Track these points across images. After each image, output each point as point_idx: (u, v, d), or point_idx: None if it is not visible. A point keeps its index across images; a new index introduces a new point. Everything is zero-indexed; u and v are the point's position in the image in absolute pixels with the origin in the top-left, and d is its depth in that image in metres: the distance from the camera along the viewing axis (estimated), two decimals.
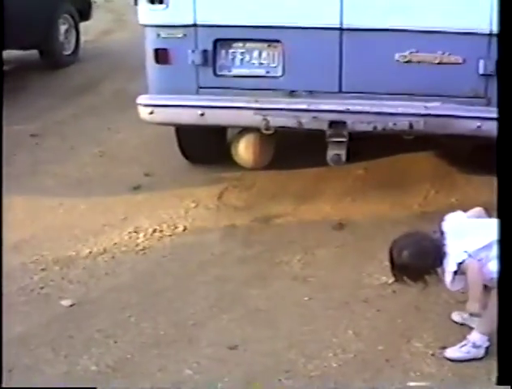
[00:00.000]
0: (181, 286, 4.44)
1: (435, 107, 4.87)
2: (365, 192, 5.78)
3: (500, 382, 3.08)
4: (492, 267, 3.51)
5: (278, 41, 5.00)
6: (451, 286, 3.68)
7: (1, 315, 3.75)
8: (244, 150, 5.82)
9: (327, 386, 3.55)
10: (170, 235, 5.06)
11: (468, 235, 3.70)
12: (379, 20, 4.83)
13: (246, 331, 3.97)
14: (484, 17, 4.67)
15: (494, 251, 3.49)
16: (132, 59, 8.29)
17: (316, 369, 3.66)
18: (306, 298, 4.30)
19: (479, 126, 4.81)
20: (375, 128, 4.88)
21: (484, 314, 3.64)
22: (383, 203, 5.57)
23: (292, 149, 6.28)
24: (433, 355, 3.74)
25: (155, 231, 5.09)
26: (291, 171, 6.15)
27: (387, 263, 4.56)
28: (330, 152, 4.98)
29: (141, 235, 5.02)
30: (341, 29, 4.88)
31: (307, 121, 4.92)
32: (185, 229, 5.14)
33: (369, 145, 5.75)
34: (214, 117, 5.08)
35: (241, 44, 5.06)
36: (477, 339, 3.68)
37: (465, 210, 4.32)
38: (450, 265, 3.62)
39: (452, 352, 3.70)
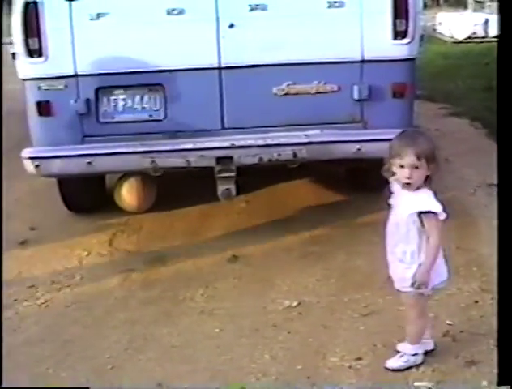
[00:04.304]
0: (91, 333, 4.43)
1: (315, 135, 5.12)
2: (252, 223, 5.97)
3: (500, 382, 3.22)
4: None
5: (159, 85, 5.14)
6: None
7: (1, 316, 3.67)
8: (127, 194, 5.93)
9: None
10: (69, 285, 5.03)
11: None
12: (255, 57, 5.06)
13: (166, 368, 4.00)
14: (355, 45, 5.01)
15: None
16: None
17: None
18: (217, 330, 4.37)
19: (358, 149, 5.08)
20: (261, 160, 5.08)
21: (410, 325, 3.84)
22: (271, 231, 5.77)
23: (173, 190, 6.40)
24: (350, 367, 3.89)
25: (53, 283, 5.05)
26: (175, 211, 6.27)
27: (287, 288, 4.79)
28: (220, 188, 5.14)
29: (40, 288, 4.97)
30: (220, 68, 5.07)
31: (195, 160, 5.06)
32: (82, 278, 5.14)
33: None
34: (102, 165, 5.14)
35: (122, 91, 5.16)
36: (410, 349, 3.82)
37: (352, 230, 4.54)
38: (424, 203, 3.60)
39: (393, 363, 3.82)
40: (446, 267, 3.80)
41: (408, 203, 3.63)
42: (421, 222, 3.59)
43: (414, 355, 3.80)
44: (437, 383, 3.68)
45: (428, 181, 3.61)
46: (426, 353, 3.88)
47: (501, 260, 3.30)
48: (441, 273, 3.75)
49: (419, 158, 3.54)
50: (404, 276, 3.71)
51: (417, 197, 3.60)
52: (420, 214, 3.57)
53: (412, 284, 3.65)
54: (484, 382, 3.67)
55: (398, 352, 3.91)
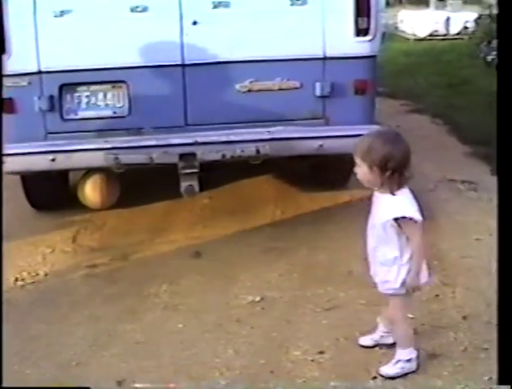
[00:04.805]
0: (56, 329, 4.42)
1: (278, 131, 5.17)
2: (215, 219, 6.01)
3: (500, 382, 3.20)
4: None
5: (122, 82, 5.16)
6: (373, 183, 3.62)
7: (1, 315, 3.67)
8: (91, 192, 5.94)
9: None
10: (33, 282, 5.03)
11: None
12: (218, 54, 5.10)
13: (130, 364, 4.01)
14: (318, 43, 5.06)
15: None
16: None
17: None
18: (181, 325, 4.39)
19: (320, 145, 5.15)
20: (224, 156, 5.12)
21: (396, 328, 3.81)
22: (234, 227, 5.82)
23: (136, 187, 6.42)
24: (312, 361, 3.94)
25: (16, 280, 5.04)
26: (138, 207, 6.29)
27: (250, 283, 4.84)
28: (184, 184, 5.16)
29: (4, 285, 4.92)
30: (183, 65, 5.10)
31: (158, 157, 5.09)
32: (46, 275, 5.14)
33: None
34: (65, 161, 5.14)
35: (85, 88, 5.18)
36: (404, 354, 3.75)
37: (314, 226, 4.57)
38: (400, 209, 3.54)
39: (388, 370, 3.75)
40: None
41: (384, 206, 3.59)
42: (399, 225, 3.55)
43: (408, 361, 3.74)
44: (399, 376, 3.74)
45: (388, 185, 3.55)
46: (388, 346, 3.93)
47: (501, 259, 3.25)
48: (424, 270, 3.72)
49: (355, 155, 3.58)
50: (386, 279, 3.67)
51: (392, 201, 3.56)
52: (397, 219, 3.54)
53: (406, 291, 3.64)
54: (445, 373, 3.74)
55: (362, 346, 3.97)
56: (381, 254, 3.67)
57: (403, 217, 3.52)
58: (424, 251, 3.63)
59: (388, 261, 3.64)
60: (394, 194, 3.55)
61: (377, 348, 3.98)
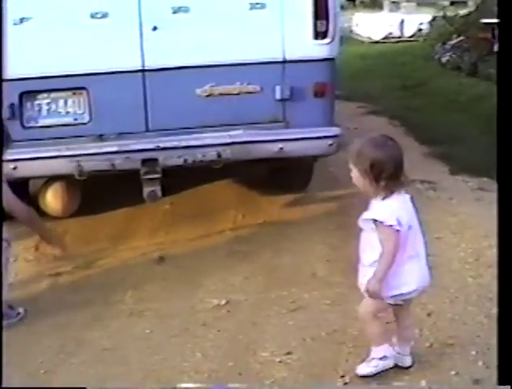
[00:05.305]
0: (23, 339, 4.38)
1: (238, 135, 5.21)
2: (177, 225, 6.03)
3: (500, 382, 3.17)
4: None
5: (83, 88, 5.15)
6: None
7: (1, 316, 3.74)
8: (52, 199, 5.91)
9: None
10: None
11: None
12: (178, 59, 5.12)
13: (99, 371, 4.00)
14: (277, 46, 5.11)
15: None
16: None
17: None
18: (148, 331, 4.40)
19: (281, 148, 5.20)
20: (186, 161, 5.14)
21: (367, 327, 3.75)
22: (196, 232, 5.84)
23: (98, 194, 6.40)
24: (280, 362, 3.96)
25: None
26: (99, 215, 6.28)
27: (214, 287, 4.85)
28: (146, 189, 5.18)
29: None
30: (143, 71, 5.11)
31: (120, 163, 5.09)
32: (10, 284, 5.07)
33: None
34: (27, 170, 5.13)
35: (46, 95, 5.16)
36: (377, 352, 3.71)
37: (276, 229, 4.57)
38: (375, 212, 3.52)
39: (363, 369, 3.73)
40: (426, 274, 3.77)
41: (370, 208, 3.59)
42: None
43: (383, 358, 3.71)
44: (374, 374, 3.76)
45: (381, 191, 3.51)
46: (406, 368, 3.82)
47: (501, 259, 3.27)
48: (408, 282, 3.63)
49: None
50: (362, 281, 3.63)
51: (377, 204, 3.53)
52: (374, 221, 3.51)
53: (367, 292, 3.57)
54: (412, 369, 3.78)
55: None
56: (365, 257, 3.65)
57: (376, 220, 3.50)
58: (392, 260, 3.50)
59: (373, 265, 3.58)
60: (383, 200, 3.52)
61: (344, 347, 4.02)
